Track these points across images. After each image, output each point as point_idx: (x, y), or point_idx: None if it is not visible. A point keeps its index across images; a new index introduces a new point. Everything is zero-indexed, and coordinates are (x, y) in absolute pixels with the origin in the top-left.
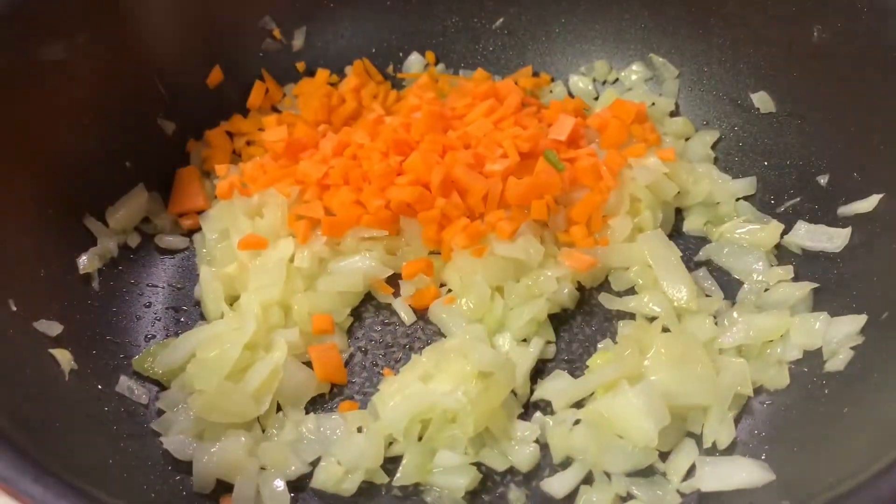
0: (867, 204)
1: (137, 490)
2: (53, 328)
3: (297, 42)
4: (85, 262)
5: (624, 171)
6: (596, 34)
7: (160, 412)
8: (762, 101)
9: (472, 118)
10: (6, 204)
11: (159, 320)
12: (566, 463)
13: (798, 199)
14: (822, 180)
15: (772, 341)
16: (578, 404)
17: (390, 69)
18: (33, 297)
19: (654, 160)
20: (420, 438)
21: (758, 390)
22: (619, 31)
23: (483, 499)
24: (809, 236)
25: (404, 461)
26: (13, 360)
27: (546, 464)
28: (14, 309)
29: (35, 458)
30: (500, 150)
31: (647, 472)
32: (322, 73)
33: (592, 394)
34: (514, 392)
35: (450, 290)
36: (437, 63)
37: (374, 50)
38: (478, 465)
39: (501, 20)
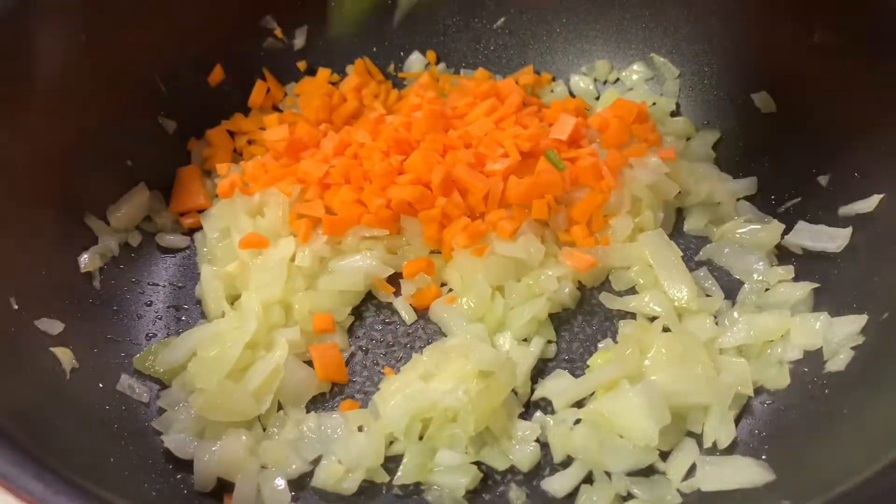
0: (868, 204)
1: (138, 488)
2: (55, 326)
3: (299, 41)
4: (86, 260)
5: (625, 170)
6: (597, 34)
7: (161, 411)
8: (763, 101)
9: (472, 117)
10: (7, 203)
11: (160, 319)
12: (567, 462)
13: (799, 199)
14: (823, 180)
15: (772, 341)
16: (579, 404)
17: (391, 69)
18: (35, 295)
19: (655, 160)
20: (421, 437)
21: (758, 390)
22: (621, 30)
23: (483, 498)
24: (810, 236)
25: (405, 460)
26: (15, 359)
27: (546, 463)
28: (15, 307)
29: (36, 456)
30: (500, 150)
31: (647, 472)
32: (323, 73)
33: (593, 393)
34: (514, 391)
35: (450, 290)
36: (437, 62)
37: (374, 49)
38: (478, 464)
39: (503, 20)
